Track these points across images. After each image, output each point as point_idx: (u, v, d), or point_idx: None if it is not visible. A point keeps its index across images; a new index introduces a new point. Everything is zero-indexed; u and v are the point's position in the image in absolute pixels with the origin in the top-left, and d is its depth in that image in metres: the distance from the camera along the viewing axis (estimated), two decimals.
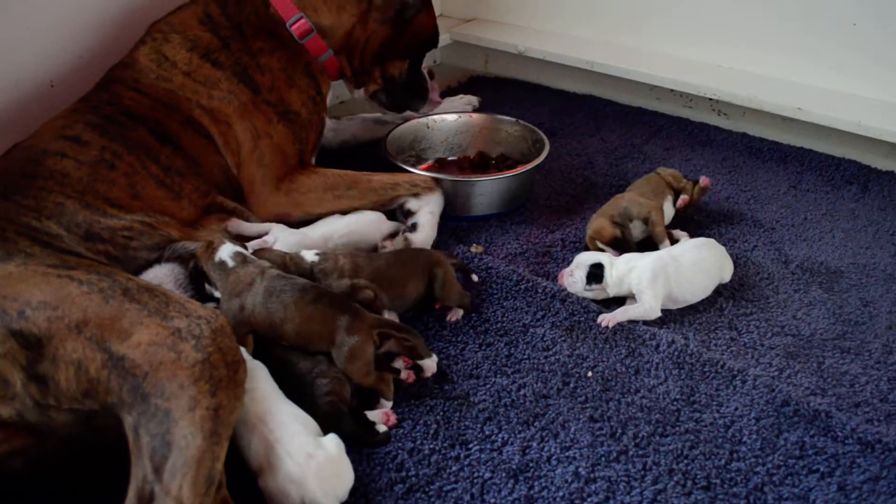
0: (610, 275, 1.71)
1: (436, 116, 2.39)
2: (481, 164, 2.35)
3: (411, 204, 1.94)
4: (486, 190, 2.05)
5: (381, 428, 1.40)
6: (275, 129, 1.89)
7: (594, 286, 1.73)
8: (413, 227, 1.90)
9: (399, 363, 1.51)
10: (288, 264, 1.62)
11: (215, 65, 1.83)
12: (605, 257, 1.74)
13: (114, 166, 1.62)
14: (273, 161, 1.88)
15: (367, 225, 1.88)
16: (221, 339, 1.21)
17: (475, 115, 2.42)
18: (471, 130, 2.40)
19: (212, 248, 1.56)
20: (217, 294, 1.56)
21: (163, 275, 1.59)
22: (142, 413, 1.13)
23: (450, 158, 2.40)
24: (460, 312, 1.71)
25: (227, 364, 1.20)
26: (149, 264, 1.59)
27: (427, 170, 2.25)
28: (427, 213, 1.92)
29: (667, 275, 1.69)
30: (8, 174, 1.54)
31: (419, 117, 2.37)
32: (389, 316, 1.61)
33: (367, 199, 1.91)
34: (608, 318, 1.67)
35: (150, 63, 1.80)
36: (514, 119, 2.35)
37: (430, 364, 1.52)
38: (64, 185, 1.54)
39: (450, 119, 2.39)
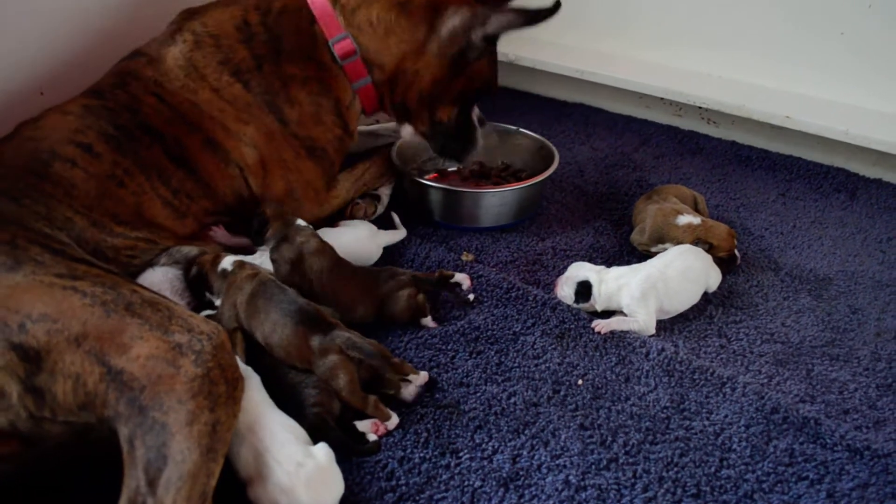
0: (598, 292, 1.71)
1: None
2: (482, 174, 2.34)
3: (380, 190, 2.16)
4: (502, 201, 2.04)
5: (371, 437, 1.39)
6: (304, 165, 1.86)
7: (581, 303, 1.73)
8: (378, 199, 2.13)
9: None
10: (277, 221, 1.72)
11: (245, 86, 1.76)
12: (593, 274, 1.73)
13: (123, 184, 1.59)
14: (305, 196, 1.90)
15: (364, 242, 1.88)
16: (222, 356, 1.21)
17: None
18: None
19: (217, 260, 1.60)
20: (217, 302, 1.58)
21: (158, 280, 1.59)
22: (138, 425, 1.13)
23: (450, 169, 2.38)
24: (430, 321, 1.70)
25: (226, 381, 1.20)
26: (145, 269, 1.60)
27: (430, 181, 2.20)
28: (386, 194, 2.17)
29: (656, 291, 1.69)
30: (16, 169, 1.48)
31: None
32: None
33: (360, 192, 2.09)
34: (602, 325, 1.68)
35: (177, 68, 1.73)
36: (515, 128, 2.35)
37: (410, 391, 1.49)
38: (73, 197, 1.51)
39: None
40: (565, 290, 1.74)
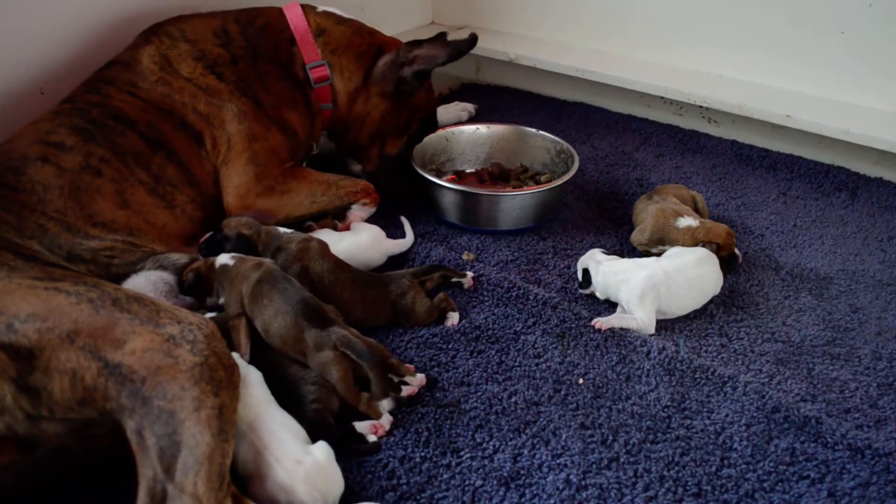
0: (596, 282, 1.74)
1: (454, 129, 2.36)
2: (501, 175, 2.33)
3: (356, 208, 2.03)
4: (522, 204, 2.03)
5: (371, 438, 1.39)
6: (272, 136, 1.87)
7: (585, 289, 1.79)
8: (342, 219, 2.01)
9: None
10: (262, 234, 1.71)
11: (219, 77, 1.80)
12: (593, 263, 1.76)
13: (100, 172, 1.59)
14: (268, 161, 1.85)
15: (366, 249, 1.86)
16: (215, 344, 1.22)
17: (495, 127, 2.38)
18: (489, 142, 2.37)
19: (211, 262, 1.60)
20: (221, 301, 1.57)
21: (141, 284, 1.58)
22: (144, 416, 1.13)
23: (468, 171, 2.37)
24: (456, 317, 1.71)
25: (224, 367, 1.21)
26: (128, 275, 1.58)
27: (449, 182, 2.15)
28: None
29: (657, 292, 1.68)
30: None
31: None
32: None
33: (333, 204, 1.97)
34: (602, 322, 1.68)
35: (152, 65, 1.77)
36: (534, 130, 2.33)
37: (408, 389, 1.50)
38: (45, 202, 1.51)
39: (468, 131, 2.37)
40: (578, 274, 1.81)
